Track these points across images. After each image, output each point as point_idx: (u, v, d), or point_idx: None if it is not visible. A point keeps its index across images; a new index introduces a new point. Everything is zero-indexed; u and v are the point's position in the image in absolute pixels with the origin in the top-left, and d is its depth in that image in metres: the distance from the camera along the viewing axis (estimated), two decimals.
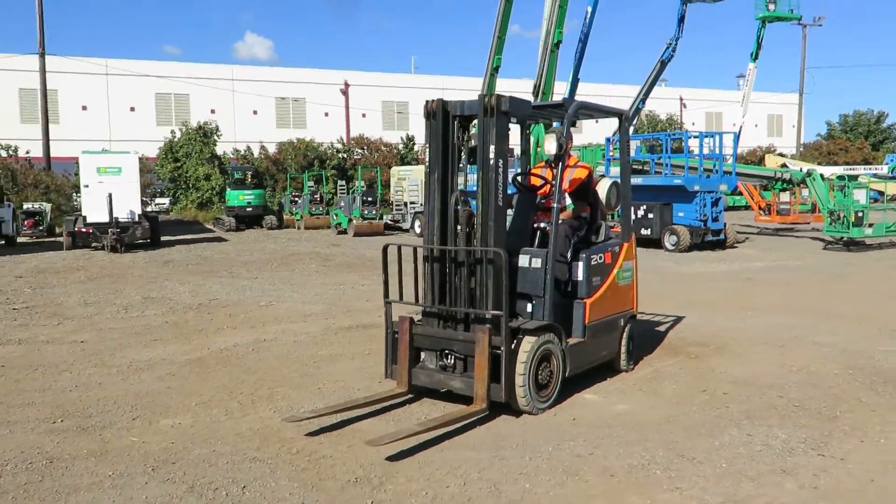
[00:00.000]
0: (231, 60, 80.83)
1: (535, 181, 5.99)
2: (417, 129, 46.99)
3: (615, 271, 5.83)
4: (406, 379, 5.16)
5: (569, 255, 5.57)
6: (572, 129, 5.96)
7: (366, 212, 23.14)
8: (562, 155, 5.48)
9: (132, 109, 42.04)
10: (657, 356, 6.55)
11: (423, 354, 5.23)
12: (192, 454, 4.21)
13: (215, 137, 35.94)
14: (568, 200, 5.82)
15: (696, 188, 16.22)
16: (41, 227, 23.24)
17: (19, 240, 21.90)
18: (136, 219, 18.84)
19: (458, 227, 5.05)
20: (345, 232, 23.06)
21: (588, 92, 39.49)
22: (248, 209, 27.19)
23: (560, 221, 5.71)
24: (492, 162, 4.83)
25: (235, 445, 4.35)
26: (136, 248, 18.71)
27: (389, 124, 47.03)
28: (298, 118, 45.81)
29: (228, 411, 5.06)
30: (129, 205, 18.75)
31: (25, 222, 23.06)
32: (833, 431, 4.58)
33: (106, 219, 17.92)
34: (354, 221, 22.60)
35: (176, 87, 42.70)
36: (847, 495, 3.65)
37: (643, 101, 28.03)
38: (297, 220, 26.60)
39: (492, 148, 4.83)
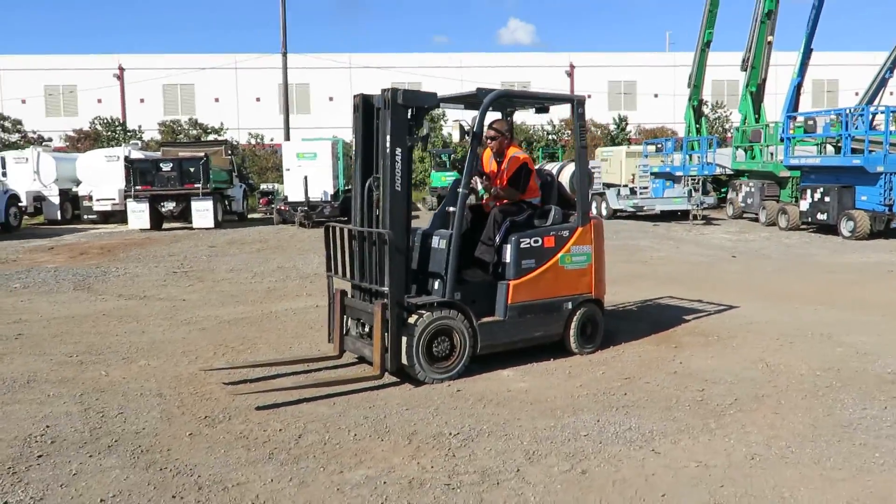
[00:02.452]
0: (478, 48, 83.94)
1: (485, 168, 6.20)
2: (644, 107, 45.85)
3: (560, 255, 5.85)
4: (339, 344, 5.75)
5: (497, 238, 5.72)
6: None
7: None
8: (474, 142, 5.58)
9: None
10: (637, 343, 6.36)
11: (349, 323, 5.77)
12: (122, 387, 5.22)
13: (442, 123, 38.37)
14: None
15: (880, 169, 14.24)
16: (273, 205, 26.81)
17: (254, 216, 25.53)
18: (328, 198, 21.08)
19: (373, 210, 5.49)
20: None
21: (823, 61, 35.45)
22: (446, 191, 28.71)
23: (495, 206, 5.91)
24: (388, 150, 5.18)
25: (159, 383, 5.29)
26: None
27: (615, 104, 46.11)
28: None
29: (196, 359, 6.03)
30: (322, 186, 21.01)
31: (261, 200, 26.73)
32: (694, 428, 4.33)
33: (302, 198, 20.39)
34: None
35: (411, 77, 45.89)
36: (602, 487, 3.59)
37: (890, 70, 24.66)
38: None
39: (388, 138, 5.18)
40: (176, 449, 4.06)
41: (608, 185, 23.68)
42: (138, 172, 20.83)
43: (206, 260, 13.48)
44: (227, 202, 24.19)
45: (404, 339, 5.16)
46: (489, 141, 6.14)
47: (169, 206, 21.12)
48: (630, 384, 5.21)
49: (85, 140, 34.80)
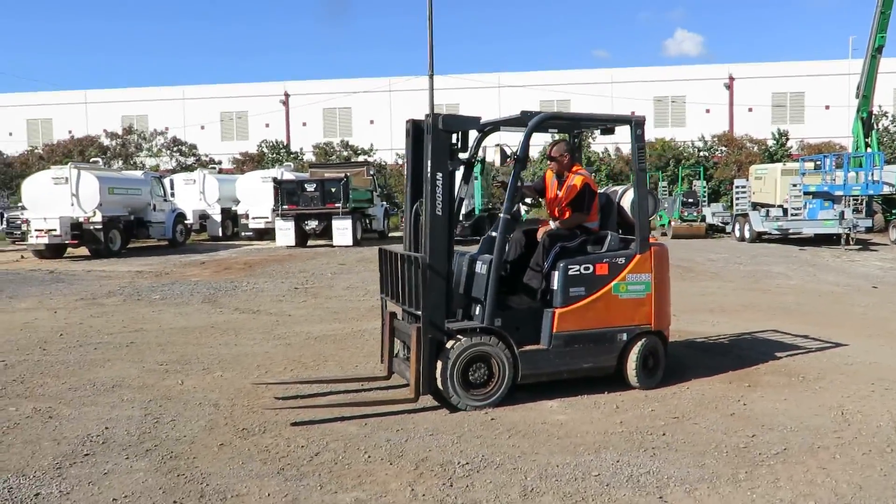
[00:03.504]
0: (651, 62, 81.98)
1: (548, 192, 6.15)
2: (813, 121, 42.66)
3: (613, 283, 5.65)
4: (388, 366, 5.90)
5: (545, 264, 5.62)
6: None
7: (685, 213, 22.36)
8: (520, 164, 5.51)
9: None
10: (708, 380, 5.97)
11: (398, 345, 5.89)
12: (188, 396, 5.66)
13: (590, 140, 37.91)
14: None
15: None
16: None
17: (395, 234, 26.48)
18: (460, 218, 21.44)
19: (419, 234, 5.59)
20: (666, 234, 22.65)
21: None
22: None
23: (547, 230, 5.83)
24: (429, 175, 5.27)
25: (221, 394, 5.68)
26: (464, 242, 21.39)
27: (780, 117, 43.28)
28: (677, 117, 45.05)
29: (266, 372, 6.41)
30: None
31: (402, 219, 27.72)
32: (720, 477, 4.03)
33: None
34: (673, 223, 22.06)
35: (560, 95, 45.70)
36: None
37: None
38: (662, 224, 25.94)
39: (428, 163, 5.27)
40: (202, 457, 4.36)
41: (760, 206, 22.29)
42: (285, 193, 22.32)
43: (330, 277, 14.18)
44: (367, 221, 25.28)
45: (440, 364, 5.20)
46: (551, 163, 6.08)
47: (312, 224, 22.44)
48: (676, 424, 4.93)
49: (249, 162, 37.67)
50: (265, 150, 41.18)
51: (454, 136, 5.38)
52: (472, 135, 6.00)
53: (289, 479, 4.03)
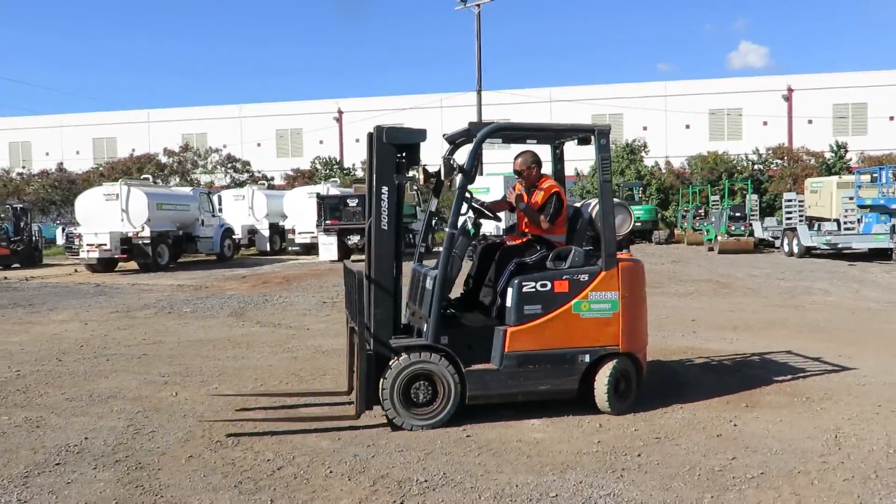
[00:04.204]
0: (690, 74, 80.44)
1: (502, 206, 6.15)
2: (877, 132, 41.00)
3: (574, 302, 5.30)
4: (349, 381, 5.60)
5: (500, 280, 5.43)
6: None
7: (732, 227, 21.74)
8: (465, 177, 5.25)
9: None
10: (705, 400, 5.74)
11: None
12: (176, 408, 5.74)
13: (643, 154, 37.41)
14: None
15: None
16: None
17: (437, 248, 26.52)
18: (500, 233, 21.33)
19: None
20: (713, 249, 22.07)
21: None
22: (636, 224, 27.84)
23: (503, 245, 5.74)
24: (374, 188, 5.20)
25: (208, 407, 5.75)
26: None
27: (841, 129, 41.80)
28: (733, 129, 43.97)
29: (261, 385, 6.46)
30: (494, 220, 21.29)
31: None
32: (683, 502, 3.85)
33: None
34: (720, 238, 21.47)
35: (612, 108, 45.17)
36: None
37: None
38: (709, 238, 25.19)
39: (374, 176, 5.18)
40: (166, 469, 4.40)
41: (814, 220, 21.51)
42: (328, 208, 22.62)
43: None
44: (410, 236, 25.39)
45: (381, 382, 5.05)
46: (518, 177, 5.92)
47: (354, 238, 22.64)
48: (655, 445, 4.74)
49: (300, 178, 38.36)
50: (318, 166, 41.92)
51: (399, 151, 5.23)
52: (440, 148, 5.86)
53: (243, 493, 4.03)
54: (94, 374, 6.99)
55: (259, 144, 47.67)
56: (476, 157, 5.33)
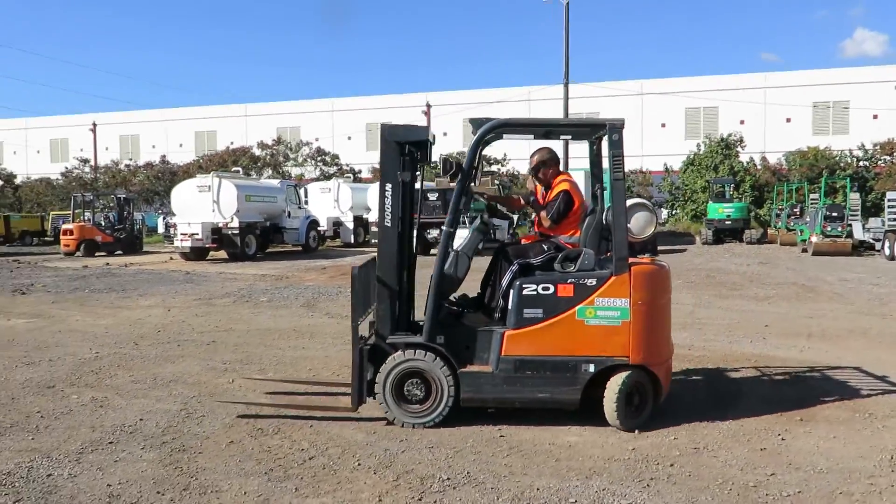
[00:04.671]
0: (778, 67, 76.42)
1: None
2: None
3: (578, 307, 5.04)
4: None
5: (504, 281, 5.32)
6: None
7: (828, 228, 20.62)
8: (463, 176, 5.16)
9: (663, 125, 44.67)
10: (757, 412, 5.51)
11: None
12: (228, 394, 5.99)
13: (738, 149, 36.03)
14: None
15: None
16: None
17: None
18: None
19: None
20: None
21: None
22: (726, 222, 26.88)
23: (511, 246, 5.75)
24: (380, 186, 5.24)
25: (258, 394, 5.98)
26: None
27: None
28: (839, 123, 41.66)
29: (314, 375, 6.66)
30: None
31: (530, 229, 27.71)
32: None
33: None
34: (814, 238, 20.43)
35: (707, 101, 43.64)
36: None
37: None
38: (803, 239, 23.92)
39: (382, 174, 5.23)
40: (207, 453, 4.62)
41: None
42: None
43: None
44: (492, 231, 25.40)
45: (379, 377, 5.10)
46: (532, 176, 5.83)
47: (434, 233, 22.82)
48: (692, 456, 4.61)
49: None
50: None
51: (403, 148, 5.20)
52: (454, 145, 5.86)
53: (271, 480, 4.19)
54: (162, 359, 7.38)
55: (349, 138, 48.72)
56: (476, 156, 5.21)
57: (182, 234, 20.91)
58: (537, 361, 5.05)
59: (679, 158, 38.17)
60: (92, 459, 4.50)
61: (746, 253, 21.36)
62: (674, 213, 36.08)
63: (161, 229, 31.22)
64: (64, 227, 24.80)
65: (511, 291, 5.16)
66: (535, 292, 5.07)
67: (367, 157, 46.03)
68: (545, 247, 5.47)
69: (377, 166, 42.13)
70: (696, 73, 54.90)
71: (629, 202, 5.27)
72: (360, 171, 41.40)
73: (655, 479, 4.23)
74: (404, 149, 5.23)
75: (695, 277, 14.95)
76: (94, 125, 53.75)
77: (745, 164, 34.46)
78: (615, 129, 5.10)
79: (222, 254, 21.76)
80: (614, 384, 5.01)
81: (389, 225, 5.23)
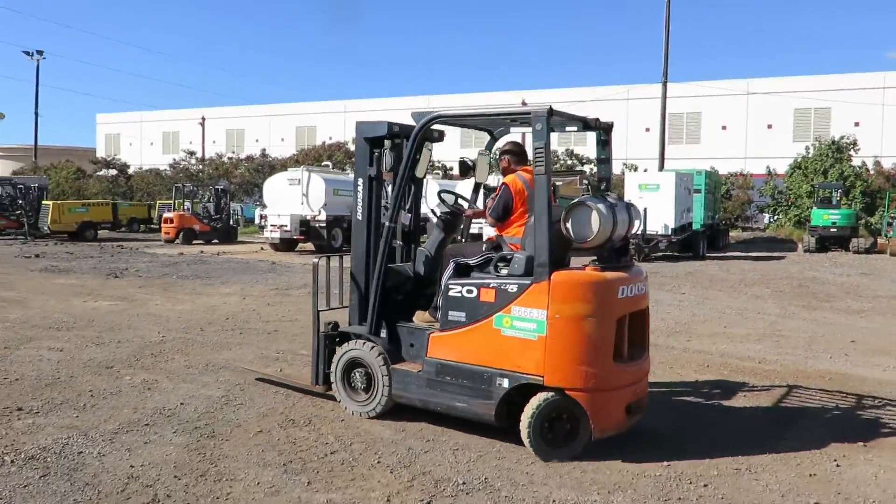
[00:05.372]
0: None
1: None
2: None
3: (496, 315, 4.58)
4: None
5: (442, 280, 5.10)
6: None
7: None
8: (404, 173, 5.05)
9: (769, 127, 42.58)
10: (813, 434, 5.10)
11: None
12: (274, 384, 6.09)
13: (850, 153, 33.93)
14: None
15: None
16: None
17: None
18: (668, 232, 20.33)
19: None
20: None
21: None
22: (831, 229, 25.30)
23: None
24: (353, 182, 5.31)
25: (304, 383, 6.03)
26: (673, 258, 20.41)
27: None
28: None
29: None
30: (663, 219, 20.37)
31: None
32: None
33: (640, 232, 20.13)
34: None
35: (817, 102, 41.26)
36: None
37: None
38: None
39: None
40: (233, 441, 4.68)
41: None
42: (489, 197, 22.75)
43: None
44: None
45: (333, 364, 5.37)
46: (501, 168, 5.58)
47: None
48: (731, 477, 4.29)
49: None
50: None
51: (372, 144, 5.25)
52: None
53: (287, 472, 4.19)
54: (221, 345, 7.59)
55: (445, 134, 48.95)
56: (414, 149, 5.04)
57: (272, 225, 21.57)
58: (456, 368, 4.75)
59: (785, 161, 36.21)
60: (124, 440, 4.64)
61: (850, 263, 20.01)
62: (776, 218, 34.29)
63: (258, 220, 32.35)
64: (165, 215, 26.11)
65: (440, 291, 5.07)
66: (459, 294, 4.79)
67: (462, 154, 46.17)
68: (484, 247, 5.21)
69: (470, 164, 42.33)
70: (807, 71, 51.95)
71: (576, 201, 4.65)
72: (451, 168, 41.54)
73: (683, 499, 3.96)
74: (379, 143, 5.27)
75: (785, 286, 14.13)
76: (203, 119, 56.33)
77: (856, 168, 32.32)
78: (538, 118, 4.49)
79: (311, 245, 22.29)
80: (530, 406, 4.47)
81: (361, 219, 5.31)
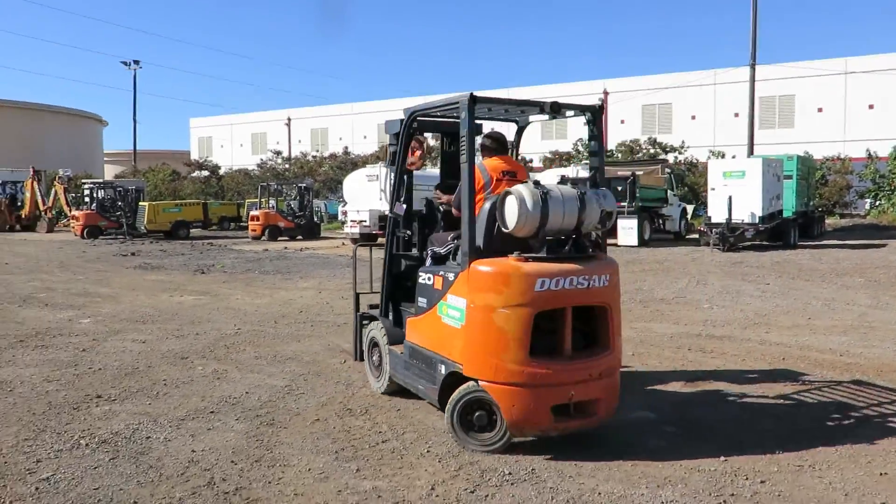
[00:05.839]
0: None
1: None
2: None
3: (440, 302, 4.67)
4: None
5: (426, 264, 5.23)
6: None
7: None
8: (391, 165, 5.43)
9: (870, 107, 40.25)
10: (889, 434, 4.83)
11: None
12: (337, 375, 6.22)
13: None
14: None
15: None
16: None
17: (693, 236, 25.10)
18: (755, 220, 19.53)
19: None
20: None
21: None
22: None
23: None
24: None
25: (349, 373, 6.16)
26: (762, 248, 19.64)
27: None
28: None
29: None
30: (749, 207, 19.59)
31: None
32: None
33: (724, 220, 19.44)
34: None
35: None
36: None
37: None
38: None
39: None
40: (291, 428, 4.83)
41: None
42: None
43: None
44: (660, 221, 24.29)
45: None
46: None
47: None
48: (792, 474, 4.11)
49: (558, 161, 38.47)
50: (580, 148, 41.68)
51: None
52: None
53: (338, 459, 4.29)
54: (291, 337, 7.83)
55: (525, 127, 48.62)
56: (401, 143, 5.28)
57: (352, 220, 22.04)
58: (419, 352, 4.96)
59: (888, 144, 34.16)
60: (189, 426, 4.86)
61: None
62: (877, 204, 32.37)
63: (339, 216, 33.08)
64: (251, 213, 27.05)
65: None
66: (423, 282, 4.99)
67: (541, 147, 45.75)
68: (450, 236, 5.08)
69: (549, 156, 41.64)
70: None
71: (506, 189, 4.42)
72: (531, 161, 41.26)
73: (736, 496, 3.82)
74: (396, 139, 5.41)
75: (881, 276, 13.36)
76: (289, 119, 58.00)
77: None
78: (463, 107, 4.44)
79: None
80: (455, 393, 4.47)
81: (385, 211, 5.46)
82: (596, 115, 4.95)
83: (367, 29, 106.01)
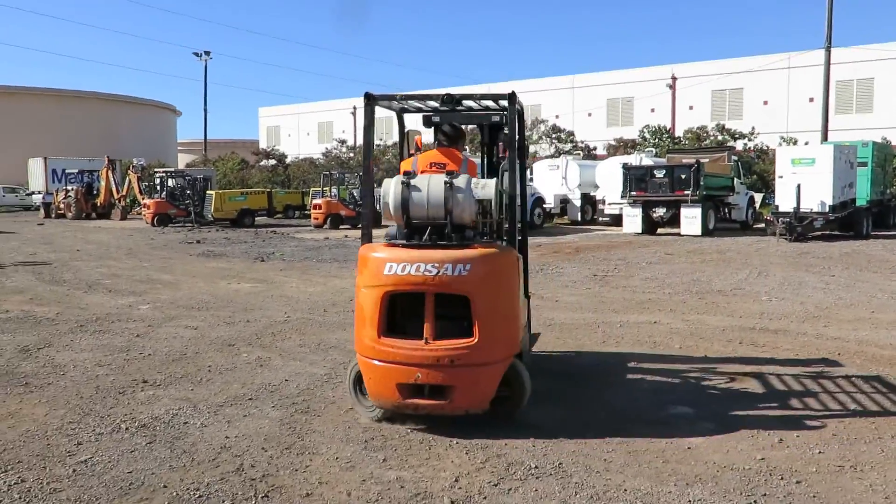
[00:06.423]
0: None
1: None
2: None
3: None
4: None
5: None
6: None
7: None
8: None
9: None
10: None
11: None
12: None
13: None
14: None
15: None
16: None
17: (760, 226, 24.31)
18: (825, 209, 18.77)
19: None
20: None
21: None
22: None
23: None
24: None
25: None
26: (832, 238, 18.95)
27: None
28: None
29: None
30: (819, 196, 18.82)
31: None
32: None
33: (792, 208, 18.74)
34: None
35: None
36: None
37: None
38: None
39: None
40: (324, 416, 4.90)
41: None
42: (634, 179, 22.06)
43: (643, 267, 13.76)
44: (726, 210, 23.61)
45: None
46: None
47: (660, 211, 21.81)
48: (832, 474, 3.94)
49: (622, 148, 37.75)
50: (646, 134, 40.81)
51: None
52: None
53: (367, 448, 4.34)
54: (337, 326, 7.93)
55: (590, 114, 47.95)
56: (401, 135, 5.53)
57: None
58: None
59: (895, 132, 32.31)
60: (227, 413, 4.99)
61: None
62: None
63: None
64: (314, 202, 27.48)
65: None
66: None
67: (606, 134, 44.98)
68: None
69: (613, 143, 40.95)
70: None
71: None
72: (594, 148, 40.65)
73: (769, 496, 3.69)
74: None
75: None
76: (354, 109, 58.60)
77: None
78: (372, 99, 5.01)
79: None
80: (351, 362, 5.03)
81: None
82: (511, 103, 4.85)
83: (431, 17, 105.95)
